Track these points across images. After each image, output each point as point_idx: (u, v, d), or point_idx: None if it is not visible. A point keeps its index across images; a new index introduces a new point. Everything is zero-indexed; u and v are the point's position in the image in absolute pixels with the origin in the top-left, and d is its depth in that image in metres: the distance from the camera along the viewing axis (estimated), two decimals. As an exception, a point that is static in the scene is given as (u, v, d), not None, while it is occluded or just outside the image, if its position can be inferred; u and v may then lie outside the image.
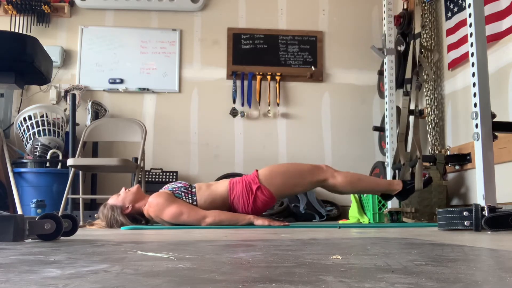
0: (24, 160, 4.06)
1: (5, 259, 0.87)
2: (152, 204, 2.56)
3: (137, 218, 2.64)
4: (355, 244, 1.23)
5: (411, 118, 3.42)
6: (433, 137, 3.96)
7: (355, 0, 4.90)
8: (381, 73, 4.39)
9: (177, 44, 4.75)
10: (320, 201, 4.27)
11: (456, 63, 3.76)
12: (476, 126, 2.10)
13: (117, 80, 4.64)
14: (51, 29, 4.68)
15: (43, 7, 4.55)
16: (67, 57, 4.66)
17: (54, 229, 1.36)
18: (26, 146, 4.16)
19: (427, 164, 3.64)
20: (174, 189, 2.67)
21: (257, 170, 2.74)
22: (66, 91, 4.53)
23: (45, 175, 4.00)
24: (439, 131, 3.97)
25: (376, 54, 3.82)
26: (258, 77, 4.71)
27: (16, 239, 1.30)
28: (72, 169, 3.45)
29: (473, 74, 2.14)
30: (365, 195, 3.24)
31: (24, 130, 4.12)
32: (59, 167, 4.05)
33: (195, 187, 2.70)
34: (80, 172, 3.62)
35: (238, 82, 4.70)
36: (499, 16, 3.18)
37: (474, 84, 2.13)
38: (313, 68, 4.78)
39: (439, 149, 3.90)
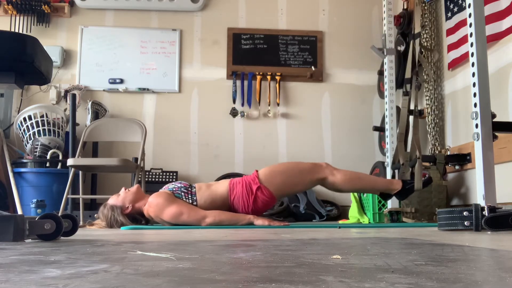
0: (24, 160, 4.06)
1: (5, 259, 0.87)
2: (152, 204, 2.56)
3: (137, 218, 2.64)
4: (355, 244, 1.23)
5: (411, 118, 3.41)
6: (433, 137, 3.96)
7: (355, 0, 4.90)
8: (381, 73, 4.39)
9: (177, 44, 4.75)
10: (320, 201, 4.27)
11: (456, 63, 3.76)
12: (476, 126, 2.10)
13: (117, 80, 4.64)
14: (51, 29, 4.68)
15: (43, 7, 4.55)
16: (67, 57, 4.66)
17: (54, 229, 1.36)
18: (26, 146, 4.16)
19: (427, 164, 3.64)
20: (174, 189, 2.67)
21: (257, 171, 2.74)
22: (66, 91, 4.53)
23: (45, 175, 4.00)
24: (439, 131, 3.97)
25: (376, 54, 3.82)
26: (258, 77, 4.71)
27: (16, 239, 1.30)
28: (72, 169, 3.45)
29: (473, 74, 2.14)
30: (365, 195, 3.24)
31: (24, 130, 4.12)
32: (59, 167, 4.05)
33: (195, 187, 2.70)
34: (80, 172, 3.62)
35: (238, 82, 4.70)
36: (499, 16, 3.18)
37: (474, 84, 2.13)
38: (313, 68, 4.78)
39: (439, 149, 3.90)
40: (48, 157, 4.06)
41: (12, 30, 4.57)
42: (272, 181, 2.66)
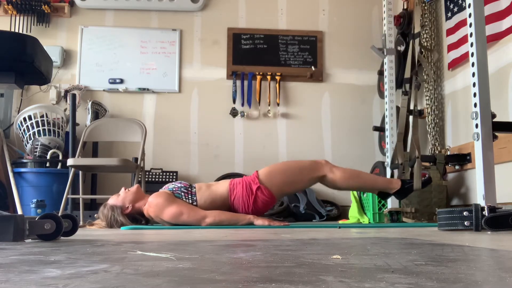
0: (24, 160, 4.06)
1: (5, 259, 0.87)
2: (152, 204, 2.56)
3: (137, 218, 2.64)
4: (355, 244, 1.23)
5: (412, 118, 3.42)
6: (433, 137, 3.96)
7: (355, 0, 4.90)
8: (381, 73, 4.39)
9: (177, 44, 4.75)
10: (320, 201, 4.27)
11: (456, 63, 3.76)
12: (476, 126, 2.10)
13: (117, 80, 4.64)
14: (51, 29, 4.68)
15: (43, 7, 4.55)
16: (67, 57, 4.66)
17: (54, 229, 1.36)
18: (26, 146, 4.16)
19: (427, 164, 3.64)
20: (174, 189, 2.67)
21: (257, 171, 2.74)
22: (66, 91, 4.53)
23: (45, 175, 4.00)
24: (439, 131, 3.97)
25: (376, 54, 3.82)
26: (258, 77, 4.71)
27: (16, 239, 1.30)
28: (72, 169, 3.45)
29: (473, 74, 2.14)
30: (365, 194, 3.24)
31: (24, 130, 4.12)
32: (59, 167, 4.05)
33: (195, 187, 2.70)
34: (80, 172, 3.62)
35: (238, 82, 4.70)
36: (499, 16, 3.18)
37: (474, 84, 2.13)
38: (313, 68, 4.78)
39: (439, 149, 3.90)
40: (48, 157, 4.06)
41: (12, 30, 4.57)
42: (272, 181, 2.67)
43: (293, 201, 4.19)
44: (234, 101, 4.67)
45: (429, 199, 3.49)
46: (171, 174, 4.39)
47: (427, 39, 4.05)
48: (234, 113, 4.66)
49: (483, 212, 1.80)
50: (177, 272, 0.68)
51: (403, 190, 2.74)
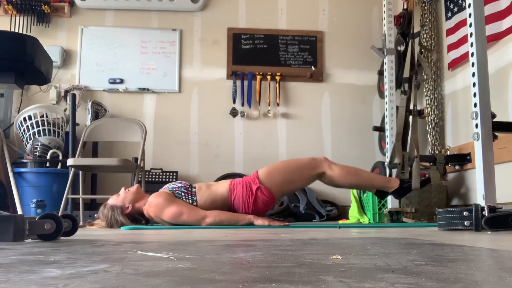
0: (24, 160, 4.06)
1: (5, 259, 0.87)
2: (152, 204, 2.56)
3: (137, 218, 2.64)
4: (355, 244, 1.23)
5: (411, 118, 3.41)
6: (433, 137, 3.96)
7: (355, 0, 4.90)
8: (381, 73, 4.39)
9: (177, 44, 4.75)
10: (320, 201, 4.27)
11: (456, 63, 3.77)
12: (476, 126, 2.10)
13: (117, 80, 4.64)
14: (51, 29, 4.69)
15: (43, 7, 4.55)
16: (67, 57, 4.66)
17: (54, 229, 1.36)
18: (26, 146, 4.16)
19: (427, 164, 3.64)
20: (174, 189, 2.67)
21: (257, 171, 2.74)
22: (66, 91, 4.53)
23: (45, 175, 4.00)
24: (439, 131, 3.97)
25: (376, 54, 3.82)
26: (258, 77, 4.71)
27: (16, 239, 1.30)
28: (72, 169, 3.45)
29: (473, 74, 2.14)
30: (365, 194, 3.24)
31: (24, 130, 4.12)
32: (59, 167, 4.05)
33: (195, 187, 2.70)
34: (80, 172, 3.62)
35: (238, 82, 4.70)
36: (499, 16, 3.18)
37: (474, 84, 2.13)
38: (313, 68, 4.78)
39: (439, 149, 3.90)
40: (48, 157, 4.06)
41: (12, 30, 4.57)
42: (271, 180, 2.67)
43: (293, 201, 4.19)
44: (234, 101, 4.67)
45: (429, 199, 3.49)
46: (171, 174, 4.39)
47: (427, 39, 4.05)
48: (234, 113, 4.66)
49: (483, 212, 1.80)
50: (177, 272, 0.68)
51: (401, 189, 2.74)
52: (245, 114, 4.67)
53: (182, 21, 4.80)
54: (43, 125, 4.11)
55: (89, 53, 4.67)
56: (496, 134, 2.12)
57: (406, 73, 3.36)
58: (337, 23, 4.89)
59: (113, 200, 2.64)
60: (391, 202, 3.29)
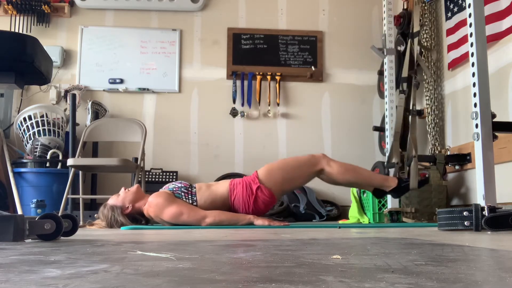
0: (24, 160, 4.06)
1: (5, 259, 0.87)
2: (152, 204, 2.56)
3: (137, 218, 2.64)
4: (355, 244, 1.23)
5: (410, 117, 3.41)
6: (433, 137, 3.96)
7: (355, 0, 4.90)
8: (381, 73, 4.39)
9: (177, 44, 4.75)
10: (320, 201, 4.27)
11: (456, 63, 3.77)
12: (476, 126, 2.10)
13: (117, 80, 4.64)
14: (51, 29, 4.69)
15: (43, 7, 4.55)
16: (67, 57, 4.66)
17: (54, 229, 1.36)
18: (26, 146, 4.16)
19: (427, 164, 3.64)
20: (174, 189, 2.67)
21: (256, 171, 2.74)
22: (66, 91, 4.53)
23: (45, 175, 4.00)
24: (439, 131, 3.97)
25: (376, 54, 3.82)
26: (258, 77, 4.71)
27: (16, 239, 1.30)
28: (72, 169, 3.45)
29: (473, 74, 2.14)
30: (365, 194, 3.24)
31: (24, 130, 4.12)
32: (59, 167, 4.05)
33: (195, 187, 2.70)
34: (80, 172, 3.62)
35: (238, 82, 4.70)
36: (499, 16, 3.18)
37: (474, 84, 2.13)
38: (313, 68, 4.78)
39: (439, 149, 3.90)
40: (48, 157, 4.06)
41: (12, 30, 4.57)
42: (271, 179, 2.67)
43: (293, 201, 4.19)
44: (234, 101, 4.67)
45: (429, 199, 3.49)
46: (171, 174, 4.39)
47: (427, 39, 4.05)
48: (234, 113, 4.66)
49: (483, 212, 1.80)
50: (177, 272, 0.68)
51: (399, 188, 2.74)
52: (245, 114, 4.67)
53: (182, 21, 4.80)
54: (43, 125, 4.11)
55: (89, 53, 4.67)
56: (496, 134, 2.12)
57: (405, 73, 3.36)
58: (337, 23, 4.89)
59: (113, 200, 2.64)
60: (391, 202, 3.29)
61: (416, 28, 3.40)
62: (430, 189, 3.47)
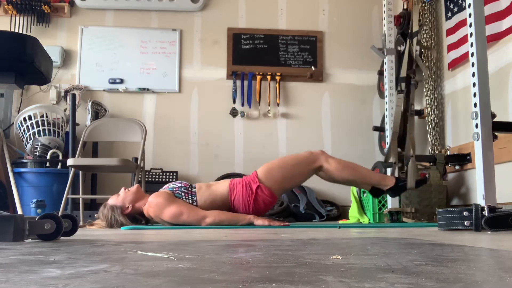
0: (24, 160, 4.06)
1: (5, 259, 0.87)
2: (152, 204, 2.56)
3: (137, 218, 2.64)
4: (355, 244, 1.23)
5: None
6: (433, 137, 3.96)
7: (355, 0, 4.90)
8: (381, 73, 4.39)
9: (177, 44, 4.75)
10: (320, 201, 4.27)
11: (456, 63, 3.77)
12: (476, 126, 2.10)
13: (117, 80, 4.64)
14: (51, 29, 4.69)
15: (43, 7, 4.55)
16: (67, 57, 4.66)
17: (54, 229, 1.36)
18: (26, 146, 4.16)
19: (427, 164, 3.64)
20: (174, 189, 2.67)
21: (256, 171, 2.74)
22: (66, 91, 4.53)
23: (45, 175, 4.00)
24: (439, 131, 3.97)
25: (376, 54, 3.82)
26: (258, 77, 4.71)
27: (16, 239, 1.30)
28: (72, 169, 3.45)
29: (473, 74, 2.14)
30: (365, 194, 3.24)
31: (24, 130, 4.12)
32: (59, 167, 4.05)
33: (195, 187, 2.70)
34: (80, 172, 3.62)
35: (238, 82, 4.70)
36: (499, 16, 3.18)
37: (474, 84, 2.13)
38: (313, 68, 4.78)
39: (439, 149, 3.90)
40: (48, 157, 4.06)
41: (12, 30, 4.57)
42: (271, 178, 2.66)
43: (293, 201, 4.20)
44: (234, 101, 4.67)
45: (429, 199, 3.49)
46: (171, 174, 4.39)
47: (427, 39, 4.05)
48: (234, 113, 4.66)
49: (483, 212, 1.80)
50: (177, 272, 0.68)
51: (396, 187, 2.74)
52: (245, 114, 4.67)
53: (182, 21, 4.80)
54: (43, 125, 4.11)
55: (89, 53, 4.67)
56: (496, 134, 2.12)
57: (403, 73, 3.36)
58: (337, 23, 4.89)
59: (113, 200, 2.64)
60: (391, 202, 3.29)
61: (415, 28, 3.40)
62: (430, 189, 3.47)
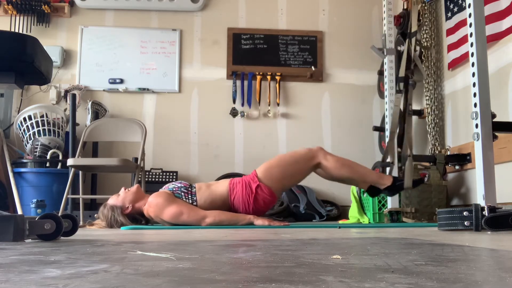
0: (24, 160, 4.06)
1: (5, 259, 0.87)
2: (152, 204, 2.56)
3: (137, 218, 2.64)
4: (355, 244, 1.23)
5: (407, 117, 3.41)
6: (433, 137, 3.96)
7: (355, 0, 4.90)
8: (381, 73, 4.39)
9: (177, 44, 4.75)
10: (320, 201, 4.27)
11: (456, 63, 3.76)
12: (476, 126, 2.10)
13: (117, 80, 4.64)
14: (51, 29, 4.69)
15: (43, 7, 4.55)
16: (67, 57, 4.66)
17: (54, 229, 1.36)
18: (26, 146, 4.16)
19: (427, 164, 3.64)
20: (174, 189, 2.67)
21: (255, 170, 2.74)
22: (66, 91, 4.53)
23: (45, 175, 4.00)
24: (439, 131, 3.97)
25: (376, 54, 3.82)
26: (258, 77, 4.71)
27: (16, 239, 1.30)
28: (72, 169, 3.45)
29: (473, 74, 2.14)
30: (365, 194, 3.23)
31: (24, 130, 4.12)
32: (59, 167, 4.05)
33: (195, 187, 2.70)
34: (80, 172, 3.62)
35: (238, 82, 4.70)
36: (499, 16, 3.18)
37: (474, 84, 2.13)
38: (313, 68, 4.78)
39: (439, 149, 3.90)
40: (48, 157, 4.06)
41: (12, 30, 4.57)
42: (270, 177, 2.66)
43: (293, 201, 4.20)
44: (234, 101, 4.67)
45: (429, 199, 3.49)
46: (171, 174, 4.39)
47: (427, 39, 4.05)
48: (234, 113, 4.66)
49: (483, 212, 1.80)
50: (177, 272, 0.68)
51: (393, 187, 2.73)
52: (245, 114, 4.67)
53: (182, 21, 4.80)
54: (43, 125, 4.11)
55: (89, 53, 4.67)
56: (496, 134, 2.12)
57: (402, 73, 3.36)
58: (337, 23, 4.89)
59: (113, 200, 2.64)
60: (391, 202, 3.29)
61: (413, 28, 3.40)
62: (430, 189, 3.47)
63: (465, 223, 1.82)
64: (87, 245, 1.24)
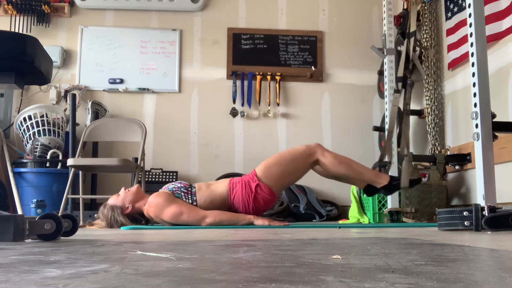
0: (24, 160, 4.06)
1: (5, 259, 0.87)
2: (152, 204, 2.56)
3: (137, 218, 2.64)
4: (355, 244, 1.23)
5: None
6: (433, 137, 3.96)
7: (355, 0, 4.90)
8: (381, 73, 4.39)
9: (177, 44, 4.75)
10: (320, 201, 4.27)
11: (456, 63, 3.76)
12: (476, 126, 2.10)
13: (117, 80, 4.64)
14: (51, 29, 4.68)
15: (43, 7, 4.55)
16: (67, 57, 4.66)
17: (54, 229, 1.36)
18: (26, 146, 4.16)
19: (427, 164, 3.64)
20: (174, 189, 2.67)
21: (254, 169, 2.74)
22: (66, 91, 4.53)
23: (45, 175, 4.00)
24: (439, 131, 3.97)
25: (376, 54, 3.82)
26: (258, 77, 4.71)
27: (16, 239, 1.30)
28: (72, 169, 3.45)
29: (473, 74, 2.14)
30: (364, 194, 3.23)
31: (24, 130, 4.12)
32: (59, 167, 4.05)
33: (195, 187, 2.70)
34: (80, 172, 3.62)
35: (238, 82, 4.70)
36: (499, 16, 3.18)
37: (474, 84, 2.13)
38: (313, 68, 4.78)
39: (439, 149, 3.90)
40: (48, 157, 4.06)
41: (12, 30, 4.57)
42: (269, 175, 2.66)
43: (293, 201, 4.20)
44: (234, 101, 4.67)
45: (429, 199, 3.49)
46: (171, 174, 4.39)
47: (427, 39, 4.05)
48: (234, 113, 4.66)
49: (483, 212, 1.80)
50: (177, 272, 0.68)
51: (390, 186, 2.73)
52: (245, 114, 4.67)
53: (182, 21, 4.80)
54: (43, 125, 4.11)
55: (89, 53, 4.67)
56: (496, 134, 2.12)
57: (400, 73, 3.36)
58: (337, 23, 4.89)
59: (113, 200, 2.64)
60: (391, 202, 3.29)
61: (412, 28, 3.40)
62: (430, 189, 3.47)
63: (465, 223, 1.82)
64: (87, 245, 1.24)
